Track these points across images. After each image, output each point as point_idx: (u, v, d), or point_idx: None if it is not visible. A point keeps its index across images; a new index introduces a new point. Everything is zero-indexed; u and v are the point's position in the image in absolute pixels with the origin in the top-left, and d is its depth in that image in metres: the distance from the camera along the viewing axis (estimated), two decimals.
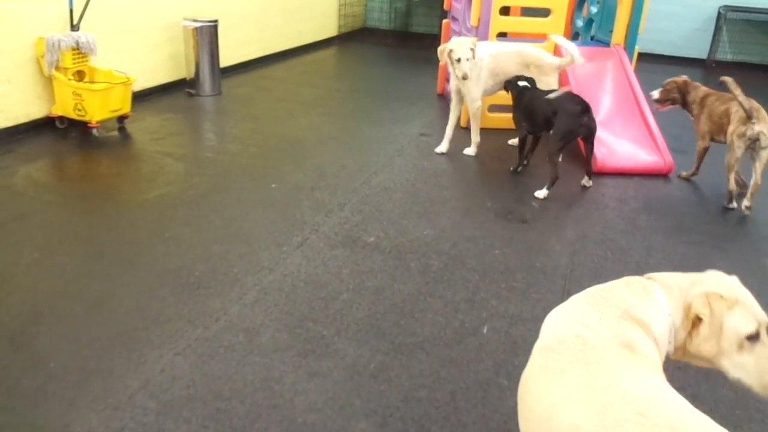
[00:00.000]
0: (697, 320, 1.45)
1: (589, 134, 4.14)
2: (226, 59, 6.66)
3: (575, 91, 5.00)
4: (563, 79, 4.95)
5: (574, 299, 1.54)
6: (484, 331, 2.67)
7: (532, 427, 1.37)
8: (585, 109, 4.02)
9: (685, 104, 4.48)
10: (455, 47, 4.42)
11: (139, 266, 3.03)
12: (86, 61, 4.90)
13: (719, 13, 8.65)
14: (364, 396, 2.25)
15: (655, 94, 4.53)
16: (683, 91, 4.45)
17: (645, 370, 1.36)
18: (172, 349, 2.44)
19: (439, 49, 4.59)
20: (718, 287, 1.47)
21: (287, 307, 2.76)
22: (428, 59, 7.41)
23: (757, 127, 3.88)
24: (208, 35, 6.04)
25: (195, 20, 5.96)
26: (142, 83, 5.68)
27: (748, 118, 3.94)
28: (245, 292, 2.85)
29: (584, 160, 4.39)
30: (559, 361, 1.38)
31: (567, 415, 1.27)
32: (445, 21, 6.58)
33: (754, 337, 1.43)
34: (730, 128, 4.07)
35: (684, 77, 4.55)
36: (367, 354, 2.48)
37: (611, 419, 1.21)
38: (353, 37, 9.91)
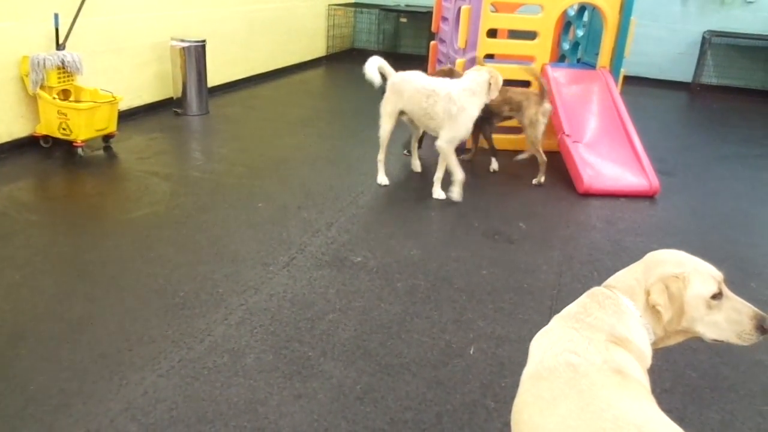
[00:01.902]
0: (655, 310, 1.51)
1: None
2: (213, 79, 6.66)
3: (565, 114, 5.06)
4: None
5: (558, 324, 1.55)
6: (471, 352, 2.66)
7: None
8: None
9: None
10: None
11: (123, 287, 2.99)
12: (72, 80, 4.88)
13: (704, 37, 8.79)
14: (350, 418, 2.22)
15: None
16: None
17: (636, 395, 1.37)
18: (155, 371, 2.40)
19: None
20: (670, 266, 1.52)
21: (273, 327, 2.73)
22: None
23: (547, 105, 4.69)
24: (195, 55, 6.05)
25: (182, 40, 5.97)
26: (128, 102, 5.66)
27: (542, 98, 4.67)
28: (230, 313, 2.82)
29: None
30: (551, 389, 1.39)
31: (543, 415, 1.33)
32: (432, 43, 6.65)
33: (717, 295, 1.50)
34: (532, 109, 4.70)
35: (449, 66, 5.01)
36: (353, 375, 2.45)
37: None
38: (341, 58, 9.97)
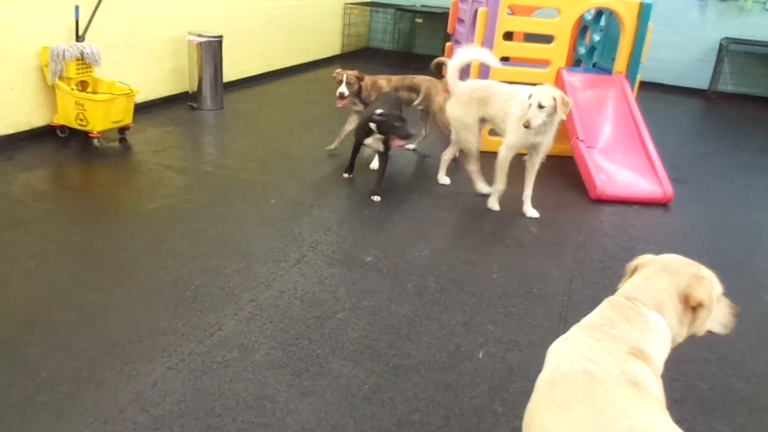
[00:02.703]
0: (700, 306, 1.59)
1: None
2: (229, 74, 6.69)
3: (579, 119, 5.03)
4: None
5: (578, 333, 1.56)
6: (480, 355, 2.65)
7: None
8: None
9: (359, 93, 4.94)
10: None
11: (135, 278, 3.01)
12: (90, 71, 4.92)
13: (721, 44, 8.73)
14: (357, 418, 2.23)
15: (345, 90, 4.83)
16: (360, 80, 4.91)
17: (651, 407, 1.37)
18: (164, 363, 2.41)
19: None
20: (693, 269, 1.63)
21: (282, 324, 2.74)
22: None
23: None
24: (212, 50, 6.07)
25: (200, 35, 5.99)
26: (144, 95, 5.69)
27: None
28: (241, 308, 2.83)
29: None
30: (565, 395, 1.39)
31: (554, 420, 1.34)
32: (448, 44, 6.64)
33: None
34: (440, 96, 4.98)
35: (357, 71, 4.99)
36: (362, 375, 2.45)
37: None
38: (356, 56, 9.97)
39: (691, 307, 1.59)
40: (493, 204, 4.24)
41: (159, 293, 2.89)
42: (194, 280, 3.03)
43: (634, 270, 1.72)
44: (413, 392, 2.39)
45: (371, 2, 10.29)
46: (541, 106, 3.77)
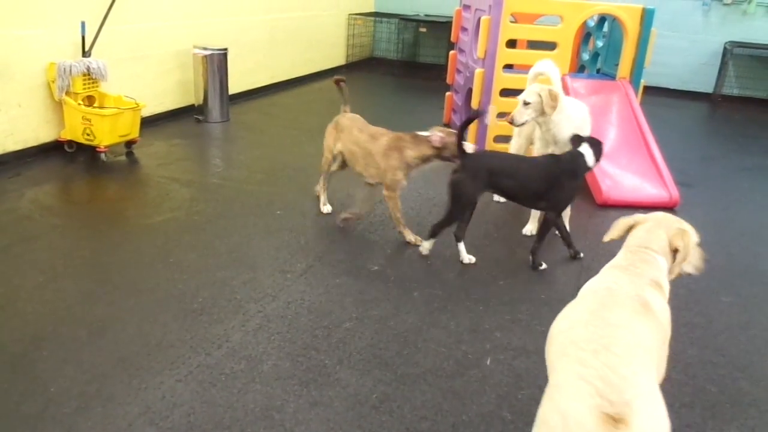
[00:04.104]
0: (676, 251, 1.98)
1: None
2: (234, 86, 6.73)
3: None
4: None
5: (607, 270, 1.97)
6: (488, 362, 2.65)
7: (553, 332, 1.74)
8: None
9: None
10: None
11: (143, 291, 3.03)
12: (96, 86, 4.97)
13: (725, 48, 8.72)
14: (366, 427, 2.23)
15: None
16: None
17: (646, 325, 1.68)
18: (173, 376, 2.42)
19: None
20: (675, 223, 2.05)
21: (290, 335, 2.75)
22: (435, 89, 7.49)
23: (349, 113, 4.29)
24: (217, 63, 6.12)
25: (205, 48, 6.04)
26: (151, 109, 5.74)
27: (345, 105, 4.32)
28: (248, 319, 2.84)
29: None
30: (585, 298, 1.81)
31: (566, 320, 1.74)
32: (452, 52, 6.66)
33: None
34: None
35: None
36: (369, 384, 2.45)
37: (583, 332, 1.60)
38: (361, 67, 10.02)
39: (673, 251, 1.98)
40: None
41: (166, 306, 2.91)
42: (201, 292, 3.05)
43: (632, 227, 2.10)
44: (421, 400, 2.38)
45: (375, 12, 10.35)
46: (526, 103, 3.73)
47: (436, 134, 3.62)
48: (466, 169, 3.43)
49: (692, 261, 2.04)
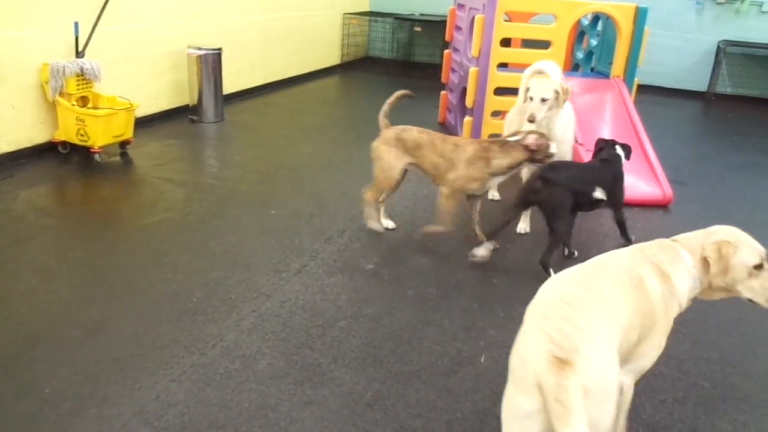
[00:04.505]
0: (706, 262, 1.92)
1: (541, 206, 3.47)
2: (229, 86, 6.73)
3: (578, 123, 5.03)
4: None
5: (623, 248, 1.99)
6: (482, 360, 2.66)
7: (536, 295, 1.81)
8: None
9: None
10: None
11: (137, 292, 3.03)
12: (90, 87, 4.96)
13: (719, 47, 8.75)
14: (360, 425, 2.23)
15: None
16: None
17: (626, 297, 1.76)
18: (167, 376, 2.42)
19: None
20: (725, 235, 1.95)
21: (284, 334, 2.75)
22: (431, 88, 7.48)
23: None
24: (211, 63, 6.11)
25: (199, 48, 6.04)
26: (145, 109, 5.73)
27: None
28: (242, 319, 2.84)
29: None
30: (579, 267, 1.88)
31: (549, 282, 1.83)
32: (446, 51, 6.67)
33: (758, 267, 1.92)
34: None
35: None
36: (364, 382, 2.46)
37: (555, 292, 1.74)
38: (356, 66, 10.02)
39: (702, 259, 1.92)
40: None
41: (161, 306, 2.91)
42: (196, 292, 3.05)
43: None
44: (415, 398, 2.39)
45: (370, 12, 10.35)
46: (544, 100, 3.73)
47: (531, 137, 3.46)
48: (556, 180, 3.36)
49: (749, 286, 1.93)
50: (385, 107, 3.82)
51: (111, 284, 3.09)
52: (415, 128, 3.75)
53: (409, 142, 3.68)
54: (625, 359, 1.82)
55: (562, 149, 3.85)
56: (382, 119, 3.80)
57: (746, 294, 1.94)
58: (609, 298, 1.75)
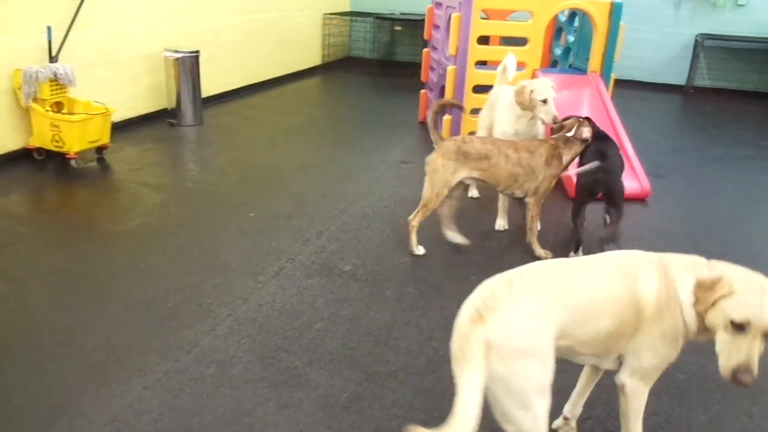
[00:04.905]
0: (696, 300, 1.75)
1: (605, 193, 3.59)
2: (208, 89, 6.69)
3: None
4: None
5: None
6: None
7: None
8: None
9: None
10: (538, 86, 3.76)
11: (112, 298, 3.00)
12: (65, 92, 4.90)
13: (696, 40, 8.82)
14: (335, 427, 2.22)
15: None
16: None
17: (604, 285, 1.78)
18: (141, 383, 2.40)
19: (517, 89, 3.84)
20: (734, 274, 1.70)
21: (260, 337, 2.73)
22: (412, 87, 7.49)
23: None
24: (189, 65, 6.07)
25: (176, 51, 5.99)
26: (122, 114, 5.69)
27: None
28: (218, 323, 2.82)
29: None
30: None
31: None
32: (425, 50, 6.67)
33: (740, 327, 1.64)
34: None
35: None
36: (340, 384, 2.45)
37: (522, 269, 1.83)
38: (337, 66, 10.00)
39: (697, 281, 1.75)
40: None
41: (135, 313, 2.88)
42: (171, 297, 3.02)
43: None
44: (392, 399, 2.38)
45: (351, 12, 10.33)
46: (545, 101, 3.72)
47: (585, 129, 3.53)
48: (614, 168, 3.54)
49: (721, 339, 1.69)
50: (432, 117, 3.54)
51: (85, 292, 3.05)
52: (476, 138, 3.60)
53: (473, 155, 3.46)
54: (608, 350, 1.84)
55: None
56: (433, 132, 3.53)
57: (717, 346, 1.71)
58: (569, 277, 1.79)
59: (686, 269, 1.79)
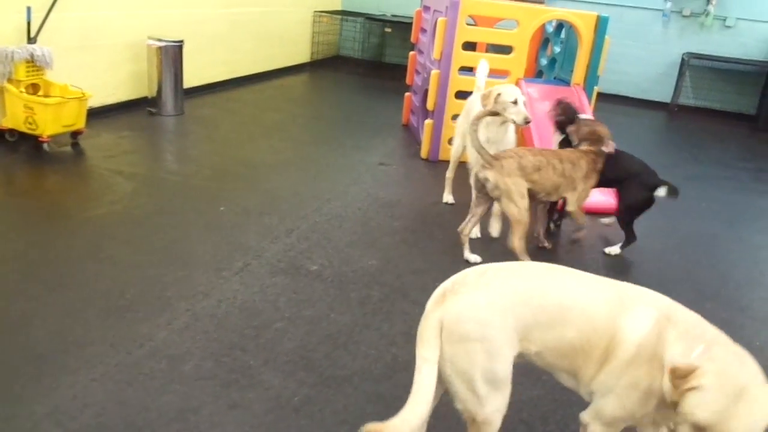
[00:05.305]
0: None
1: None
2: (191, 79, 6.61)
3: (536, 130, 5.05)
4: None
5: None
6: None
7: None
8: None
9: None
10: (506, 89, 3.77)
11: (69, 287, 2.93)
12: (41, 74, 4.82)
13: (683, 59, 8.87)
14: (283, 430, 2.18)
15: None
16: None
17: (569, 293, 1.77)
18: (88, 375, 2.34)
19: (483, 93, 3.85)
20: (716, 371, 1.51)
21: (217, 334, 2.68)
22: (398, 90, 7.46)
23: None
24: (172, 55, 6.00)
25: (159, 39, 5.92)
26: (101, 99, 5.60)
27: None
28: (175, 317, 2.77)
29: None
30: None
31: None
32: (411, 53, 6.64)
33: (701, 429, 1.49)
34: None
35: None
36: (293, 386, 2.41)
37: (510, 268, 1.86)
38: (326, 65, 9.95)
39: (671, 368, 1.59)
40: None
41: (91, 302, 2.82)
42: (130, 288, 2.96)
43: None
44: (344, 404, 2.34)
45: (342, 11, 10.29)
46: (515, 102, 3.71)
47: (611, 143, 3.78)
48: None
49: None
50: (476, 134, 3.47)
51: (42, 278, 2.99)
52: (526, 151, 3.60)
53: (530, 168, 3.49)
54: (574, 367, 1.76)
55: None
56: (482, 149, 3.44)
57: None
58: (546, 278, 1.80)
59: (682, 339, 1.63)
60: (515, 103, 3.70)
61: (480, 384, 1.70)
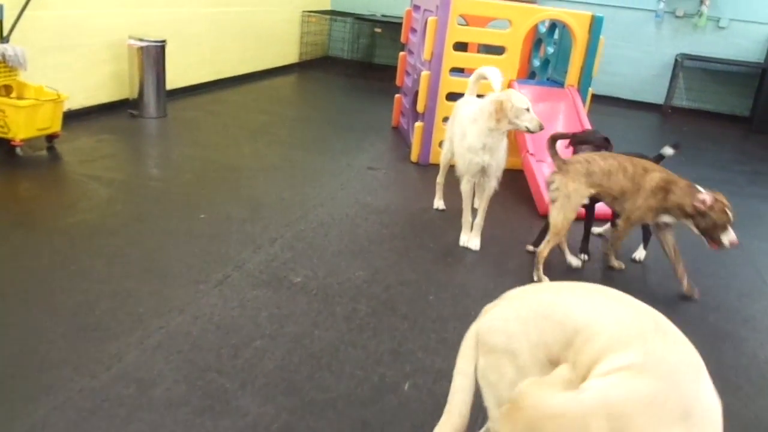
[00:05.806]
0: None
1: None
2: (175, 81, 6.42)
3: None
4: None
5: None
6: (406, 387, 2.45)
7: None
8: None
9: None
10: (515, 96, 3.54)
11: (33, 303, 2.74)
12: (14, 75, 4.62)
13: (676, 60, 8.76)
14: None
15: None
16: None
17: (578, 319, 1.57)
18: (49, 403, 2.15)
19: (494, 104, 3.50)
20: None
21: (191, 354, 2.50)
22: (388, 91, 7.31)
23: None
24: (154, 55, 5.81)
25: (141, 39, 5.73)
26: (80, 101, 5.41)
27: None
28: (147, 336, 2.59)
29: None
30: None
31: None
32: (401, 54, 6.48)
33: None
34: None
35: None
36: (272, 412, 2.23)
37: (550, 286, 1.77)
38: (315, 66, 9.77)
39: None
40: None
41: (57, 320, 2.63)
42: (100, 304, 2.77)
43: None
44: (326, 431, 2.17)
45: (331, 11, 10.11)
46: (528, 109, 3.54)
47: (708, 195, 3.26)
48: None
49: None
50: (551, 145, 3.40)
51: (5, 293, 2.79)
52: (596, 156, 3.46)
53: (598, 173, 3.37)
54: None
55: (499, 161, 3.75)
56: (555, 157, 3.38)
57: None
58: (583, 297, 1.64)
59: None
60: (528, 110, 3.52)
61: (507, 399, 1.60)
